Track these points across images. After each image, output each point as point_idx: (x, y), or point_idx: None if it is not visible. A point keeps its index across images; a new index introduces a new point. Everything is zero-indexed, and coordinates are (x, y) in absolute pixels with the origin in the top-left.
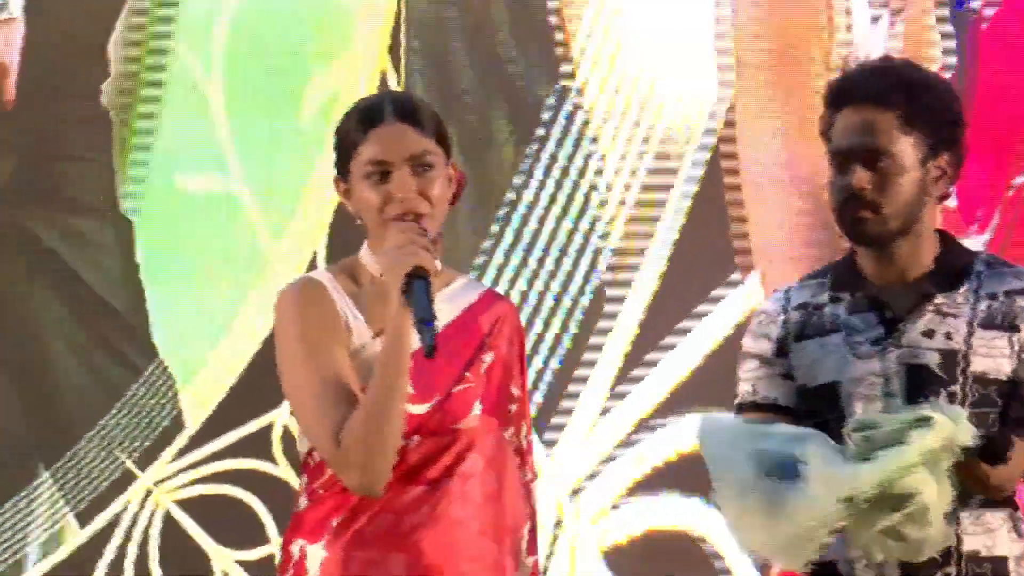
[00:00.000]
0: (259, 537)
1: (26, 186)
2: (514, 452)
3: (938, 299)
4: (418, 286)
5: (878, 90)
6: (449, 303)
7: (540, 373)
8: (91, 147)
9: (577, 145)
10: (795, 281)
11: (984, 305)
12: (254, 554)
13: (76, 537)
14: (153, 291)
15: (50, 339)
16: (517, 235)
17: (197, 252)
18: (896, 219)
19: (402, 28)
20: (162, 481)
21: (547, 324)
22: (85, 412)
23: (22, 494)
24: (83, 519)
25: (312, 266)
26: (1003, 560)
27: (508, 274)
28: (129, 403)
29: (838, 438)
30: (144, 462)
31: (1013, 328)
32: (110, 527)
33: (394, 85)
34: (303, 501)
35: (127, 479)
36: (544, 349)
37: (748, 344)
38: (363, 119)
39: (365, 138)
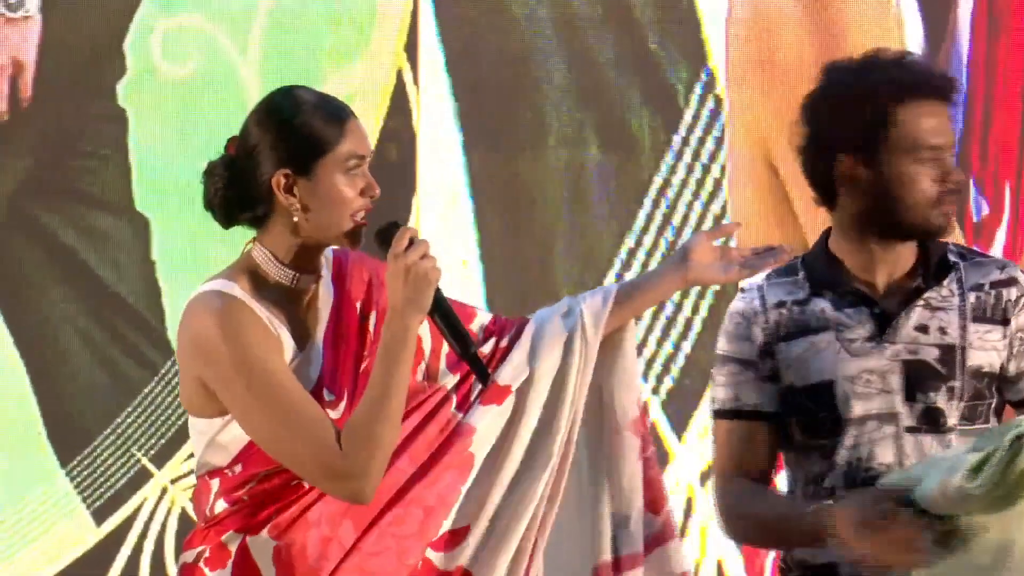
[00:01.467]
0: None
1: (43, 183)
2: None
3: (927, 293)
4: (449, 315)
5: (948, 88)
6: (325, 290)
7: (671, 357)
8: (108, 144)
9: (722, 134)
10: (759, 279)
11: (972, 297)
12: None
13: (92, 535)
14: (170, 288)
15: (67, 337)
16: (661, 225)
17: (214, 249)
18: None
19: (419, 27)
20: (178, 479)
21: (678, 307)
22: (101, 410)
23: (39, 491)
24: (99, 517)
25: None
26: None
27: (653, 265)
28: (145, 401)
29: (831, 435)
30: (160, 460)
31: (1005, 321)
32: (126, 525)
33: (410, 83)
34: (220, 504)
35: (143, 477)
36: (675, 334)
37: (725, 347)
38: (332, 115)
39: (342, 132)
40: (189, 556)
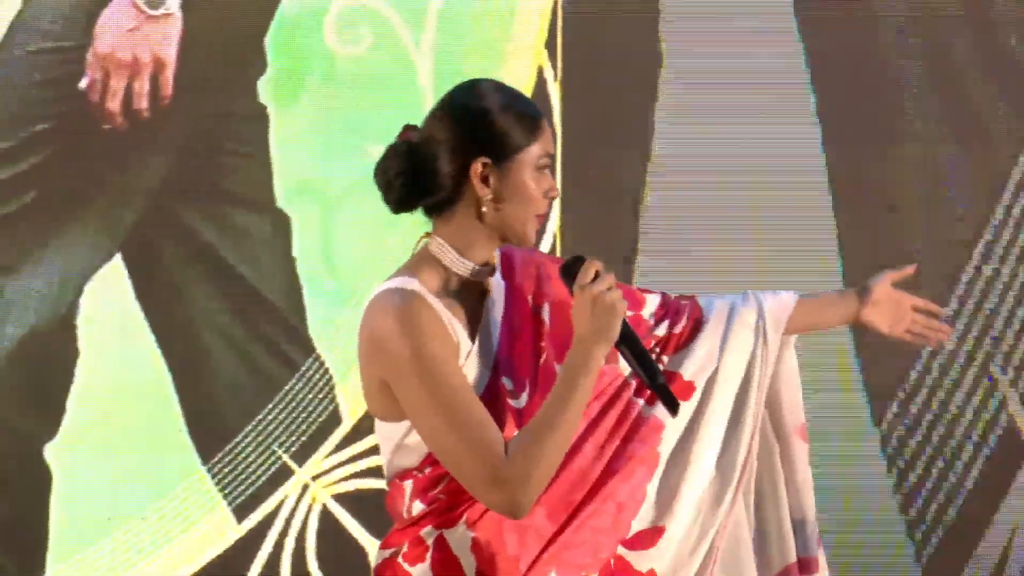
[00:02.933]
0: None
1: (184, 181)
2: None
3: None
4: (635, 345)
5: None
6: (497, 284)
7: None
8: (248, 142)
9: None
10: None
11: None
12: None
13: (234, 531)
14: (310, 285)
15: (208, 334)
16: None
17: (353, 246)
18: None
19: (559, 23)
20: (319, 475)
21: None
22: (242, 407)
23: (180, 488)
24: (240, 514)
25: None
26: None
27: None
28: (286, 398)
29: None
30: (301, 457)
31: None
32: (267, 522)
33: (551, 81)
34: (417, 504)
35: (284, 474)
36: None
37: None
38: (530, 113)
39: (539, 130)
40: (386, 553)
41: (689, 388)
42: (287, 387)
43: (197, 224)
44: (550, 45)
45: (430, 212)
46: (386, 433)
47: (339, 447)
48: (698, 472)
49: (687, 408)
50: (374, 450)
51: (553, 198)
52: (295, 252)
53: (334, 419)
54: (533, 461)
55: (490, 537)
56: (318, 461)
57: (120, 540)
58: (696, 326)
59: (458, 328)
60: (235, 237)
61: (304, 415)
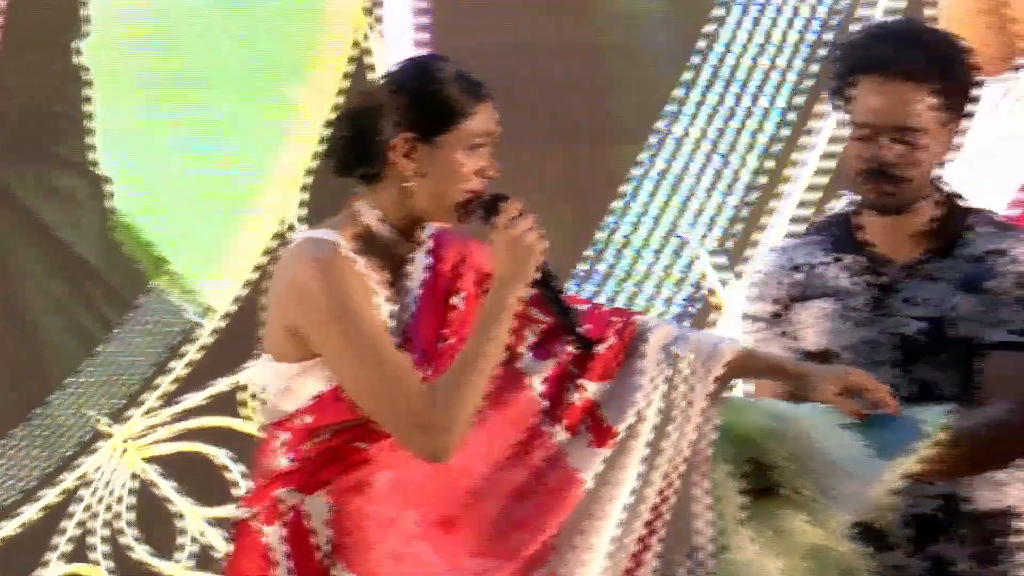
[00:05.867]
0: (229, 494)
1: (2, 143)
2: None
3: (931, 264)
4: (554, 288)
5: (914, 66)
6: (420, 262)
7: None
8: (68, 103)
9: None
10: (793, 238)
11: (967, 267)
12: (225, 511)
13: (48, 493)
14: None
15: (26, 295)
16: None
17: (171, 211)
18: (919, 190)
19: None
20: (135, 437)
21: None
22: (60, 368)
23: None
24: (55, 474)
25: (283, 233)
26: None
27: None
28: (104, 359)
29: None
30: (118, 419)
31: (988, 291)
32: (82, 483)
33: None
34: (284, 459)
35: (100, 435)
36: None
37: (747, 306)
38: (470, 90)
39: (475, 109)
40: (247, 511)
41: (609, 432)
42: (104, 349)
43: (14, 185)
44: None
45: (363, 180)
46: (277, 373)
47: (155, 409)
48: (607, 523)
49: (604, 454)
50: (195, 411)
51: (489, 178)
52: (113, 214)
53: (151, 382)
54: (455, 406)
55: (352, 516)
56: (135, 422)
57: None
58: (627, 350)
59: (379, 291)
60: (55, 199)
61: (121, 377)
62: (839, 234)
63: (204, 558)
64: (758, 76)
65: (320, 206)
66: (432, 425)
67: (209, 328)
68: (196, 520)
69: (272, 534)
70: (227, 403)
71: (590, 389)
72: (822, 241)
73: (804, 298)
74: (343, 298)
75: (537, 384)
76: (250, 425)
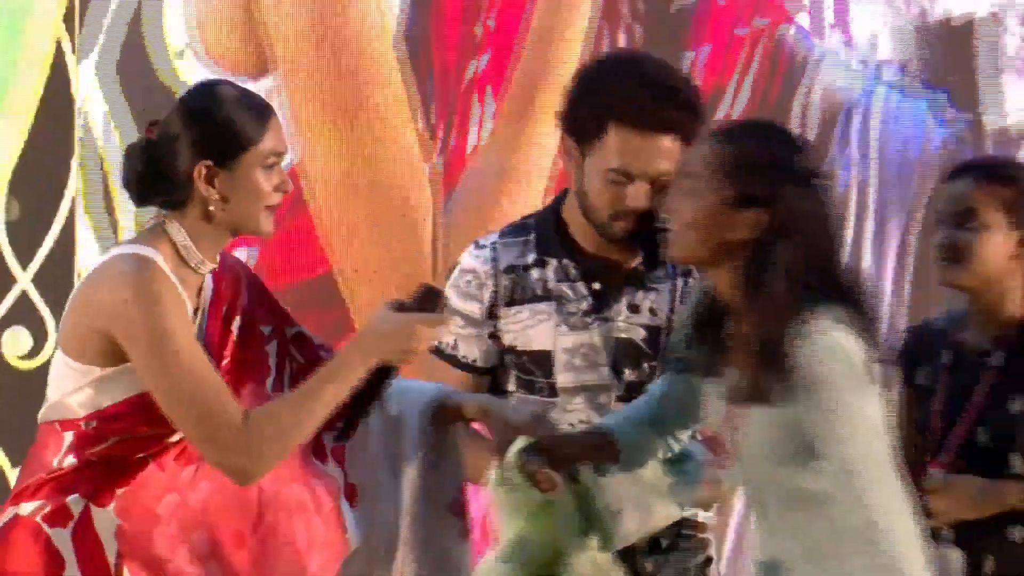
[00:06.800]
0: None
1: None
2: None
3: (647, 274)
4: (377, 389)
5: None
6: (207, 283)
7: None
8: None
9: None
10: (494, 234)
11: (681, 282)
12: None
13: None
14: None
15: None
16: None
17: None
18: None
19: None
20: None
21: None
22: None
23: None
24: None
25: None
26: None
27: None
28: None
29: (548, 398)
30: None
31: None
32: None
33: (69, 53)
34: (69, 459)
35: None
36: None
37: (456, 301)
38: (256, 112)
39: (264, 130)
40: (26, 508)
41: (354, 490)
42: None
43: None
44: (68, 19)
45: (166, 207)
46: (70, 371)
47: None
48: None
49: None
50: None
51: (285, 191)
52: None
53: None
54: (270, 436)
55: (138, 532)
56: None
57: None
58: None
59: (188, 307)
60: None
61: None
62: (545, 234)
63: None
64: None
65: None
66: (240, 448)
67: None
68: None
69: (59, 536)
70: None
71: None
72: (525, 241)
73: (514, 301)
74: (161, 316)
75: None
76: None
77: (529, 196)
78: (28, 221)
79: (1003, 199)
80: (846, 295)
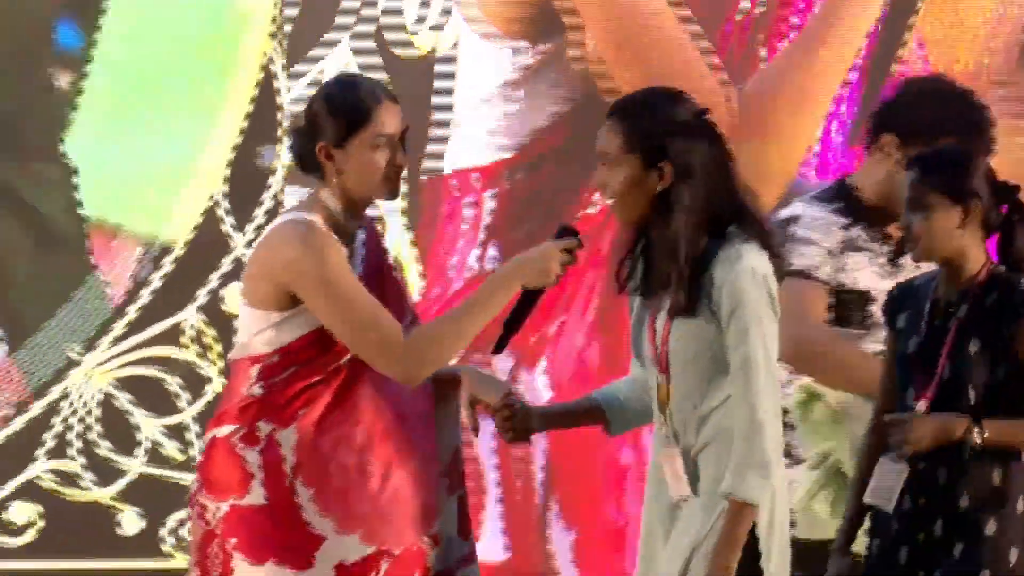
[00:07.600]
0: (174, 407)
1: None
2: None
3: None
4: (527, 308)
5: None
6: (360, 239)
7: None
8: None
9: None
10: None
11: None
12: (171, 420)
13: (30, 412)
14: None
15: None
16: None
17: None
18: None
19: None
20: (102, 364)
21: None
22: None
23: None
24: (41, 392)
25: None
26: None
27: None
28: (76, 302)
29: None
30: (88, 349)
31: None
32: (62, 398)
33: (277, 61)
34: (257, 388)
35: (74, 363)
36: None
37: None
38: (367, 100)
39: (377, 113)
40: (224, 431)
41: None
42: (77, 294)
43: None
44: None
45: (318, 178)
46: (254, 317)
47: (118, 340)
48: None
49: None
50: (146, 343)
51: (399, 166)
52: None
53: (114, 318)
54: (427, 344)
55: (313, 448)
56: (101, 351)
57: None
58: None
59: (344, 253)
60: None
61: (90, 317)
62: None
63: (155, 456)
64: None
65: (240, 183)
66: (405, 357)
67: (153, 285)
68: (149, 427)
69: (251, 454)
70: (171, 337)
71: None
72: None
73: None
74: (325, 264)
75: None
76: (188, 354)
77: None
78: (240, 196)
79: (941, 182)
80: (756, 225)
